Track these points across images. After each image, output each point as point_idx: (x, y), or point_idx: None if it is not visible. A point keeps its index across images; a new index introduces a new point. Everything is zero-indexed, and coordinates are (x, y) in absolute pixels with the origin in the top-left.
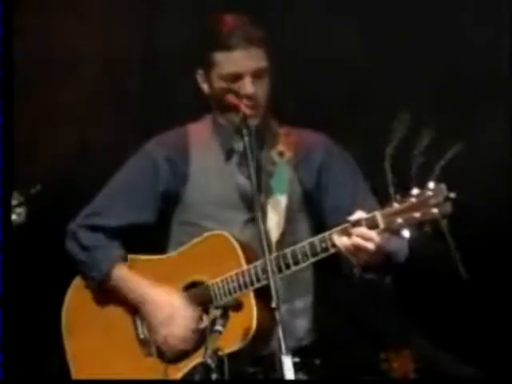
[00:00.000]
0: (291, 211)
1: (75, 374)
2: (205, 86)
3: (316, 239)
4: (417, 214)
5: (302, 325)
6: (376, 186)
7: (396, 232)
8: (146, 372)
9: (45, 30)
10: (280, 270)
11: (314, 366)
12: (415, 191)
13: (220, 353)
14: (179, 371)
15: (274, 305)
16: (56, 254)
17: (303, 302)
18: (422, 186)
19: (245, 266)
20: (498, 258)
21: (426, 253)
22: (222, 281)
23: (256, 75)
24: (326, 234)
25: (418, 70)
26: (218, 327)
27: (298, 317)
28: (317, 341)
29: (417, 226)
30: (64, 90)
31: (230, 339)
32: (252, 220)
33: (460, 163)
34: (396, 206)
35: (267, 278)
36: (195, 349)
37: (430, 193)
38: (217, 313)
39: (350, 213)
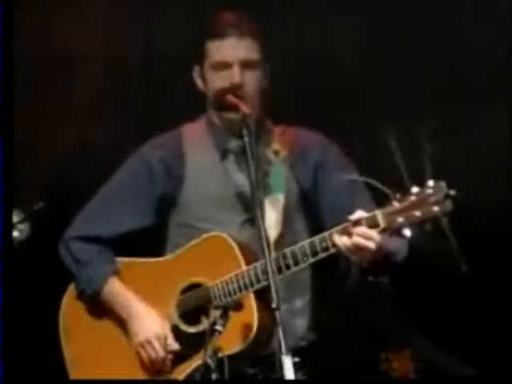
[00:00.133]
0: (289, 211)
1: (73, 378)
2: (199, 82)
3: (316, 239)
4: (417, 213)
5: (302, 324)
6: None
7: (397, 231)
8: (146, 376)
9: (45, 29)
10: (280, 271)
11: (314, 366)
12: (415, 189)
13: (220, 354)
14: (180, 374)
15: (274, 305)
16: (55, 262)
17: (302, 302)
18: (422, 184)
19: (244, 267)
20: (498, 258)
21: (426, 251)
22: (221, 282)
23: (245, 65)
24: (327, 233)
25: (418, 70)
26: (218, 327)
27: (297, 316)
28: (316, 341)
29: (417, 224)
30: (64, 90)
31: (231, 340)
32: (249, 220)
33: (460, 163)
34: (396, 204)
35: (267, 279)
36: (195, 351)
37: (429, 191)
38: (217, 313)
39: (347, 211)
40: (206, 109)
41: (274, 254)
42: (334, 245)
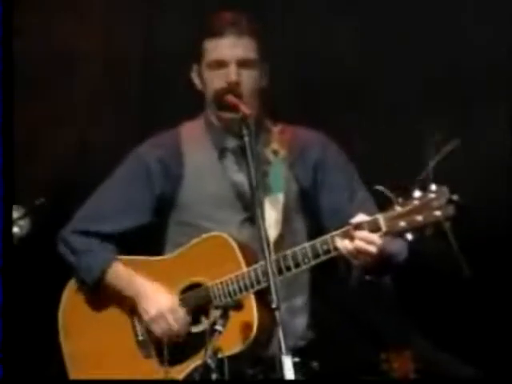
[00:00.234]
0: (288, 210)
1: (72, 376)
2: (197, 81)
3: (317, 241)
4: (419, 217)
5: (301, 322)
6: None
7: (398, 234)
8: (146, 374)
9: (45, 29)
10: (280, 272)
11: (313, 367)
12: (417, 194)
13: (220, 354)
14: (179, 374)
15: (274, 305)
16: (55, 258)
17: (302, 300)
18: (424, 188)
19: (244, 268)
20: (498, 259)
21: (427, 252)
22: (221, 283)
23: (242, 64)
24: (328, 236)
25: (418, 69)
26: (218, 327)
27: (297, 314)
28: (317, 341)
29: (419, 228)
30: (64, 90)
31: (231, 341)
32: (249, 220)
33: (460, 163)
34: (398, 209)
35: (267, 281)
36: (195, 351)
37: (432, 195)
38: (217, 313)
39: (346, 210)
40: (205, 108)
41: (274, 256)
42: (336, 248)
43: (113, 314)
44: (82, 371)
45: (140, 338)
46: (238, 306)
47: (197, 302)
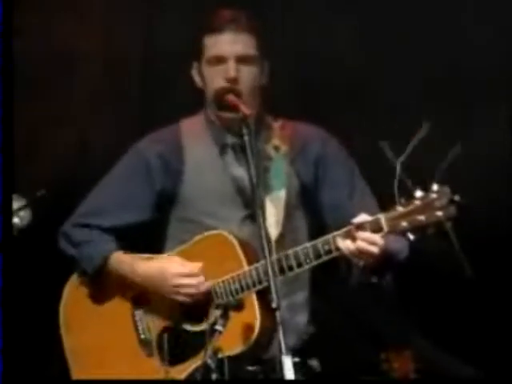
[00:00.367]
0: (290, 207)
1: (75, 373)
2: (197, 79)
3: (319, 241)
4: (421, 217)
5: (302, 319)
6: (377, 186)
7: (400, 234)
8: (147, 373)
9: (45, 29)
10: (282, 272)
11: (313, 367)
12: (419, 194)
13: (222, 355)
14: (181, 373)
15: (274, 305)
16: (56, 255)
17: (302, 296)
18: (426, 188)
19: (246, 267)
20: (498, 258)
21: (428, 252)
22: (223, 281)
23: (241, 60)
24: (330, 236)
25: (418, 69)
26: (218, 327)
27: (297, 312)
28: (317, 340)
29: (421, 228)
30: (64, 90)
31: (233, 342)
32: (250, 217)
33: (460, 163)
34: (400, 209)
35: (269, 280)
36: (197, 351)
37: (434, 195)
38: (217, 312)
39: (347, 205)
40: (205, 105)
41: (276, 255)
42: (338, 248)
43: (115, 309)
44: (84, 367)
45: (142, 336)
46: (239, 306)
47: (199, 301)
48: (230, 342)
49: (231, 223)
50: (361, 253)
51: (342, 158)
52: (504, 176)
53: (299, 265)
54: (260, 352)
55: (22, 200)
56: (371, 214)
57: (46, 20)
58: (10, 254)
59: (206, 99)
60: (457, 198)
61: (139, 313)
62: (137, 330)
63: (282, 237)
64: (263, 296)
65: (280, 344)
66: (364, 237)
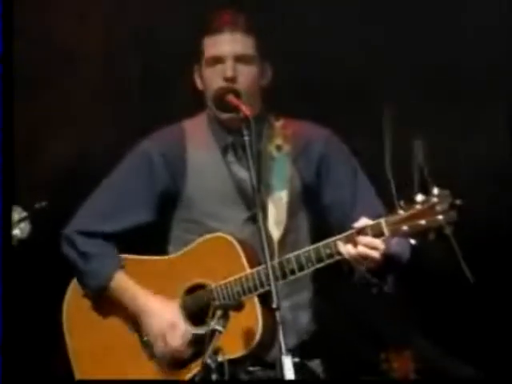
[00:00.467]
0: (292, 207)
1: (77, 375)
2: (198, 81)
3: (321, 245)
4: (422, 222)
5: (305, 319)
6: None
7: (401, 237)
8: (150, 375)
9: (45, 29)
10: (284, 276)
11: (314, 366)
12: (420, 198)
13: (222, 358)
14: (184, 376)
15: (274, 305)
16: (57, 260)
17: (305, 296)
18: (426, 191)
19: (247, 269)
20: (498, 259)
21: (428, 253)
22: (224, 284)
23: (240, 60)
24: (331, 240)
25: (418, 69)
26: (218, 327)
27: (300, 311)
28: (317, 340)
29: (422, 233)
30: (64, 90)
31: (235, 345)
32: (252, 218)
33: (460, 163)
34: (401, 213)
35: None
36: (199, 354)
37: (434, 199)
38: (217, 313)
39: (349, 205)
40: (206, 106)
41: (278, 259)
42: (339, 252)
43: (116, 313)
44: (86, 369)
45: (145, 338)
46: (239, 306)
47: (200, 304)
48: (232, 344)
49: (233, 224)
50: (362, 257)
51: (344, 158)
52: (504, 176)
53: (301, 268)
54: (262, 353)
55: (21, 212)
56: (375, 213)
57: (46, 20)
58: (9, 265)
59: (207, 100)
60: (458, 202)
61: (139, 324)
62: (139, 331)
63: (284, 237)
64: (265, 299)
65: (280, 343)
66: (365, 242)
